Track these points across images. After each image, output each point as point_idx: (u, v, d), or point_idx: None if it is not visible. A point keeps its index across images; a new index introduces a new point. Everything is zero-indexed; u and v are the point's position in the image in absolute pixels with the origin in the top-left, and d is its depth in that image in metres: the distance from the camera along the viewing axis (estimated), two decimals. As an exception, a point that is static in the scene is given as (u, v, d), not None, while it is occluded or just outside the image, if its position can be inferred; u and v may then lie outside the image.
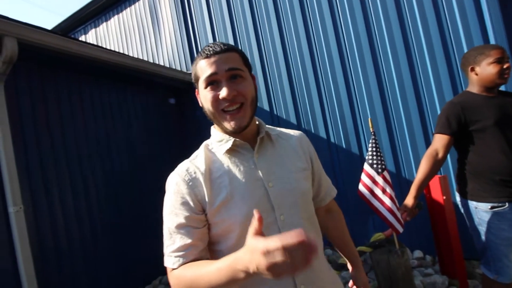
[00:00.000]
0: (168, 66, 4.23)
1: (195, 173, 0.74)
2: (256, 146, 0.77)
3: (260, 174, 0.74)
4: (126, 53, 4.71)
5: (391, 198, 1.56)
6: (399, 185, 2.81)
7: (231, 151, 0.76)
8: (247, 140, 0.77)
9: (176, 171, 0.78)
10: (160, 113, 3.82)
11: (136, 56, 4.59)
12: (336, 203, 1.00)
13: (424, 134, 2.74)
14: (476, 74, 1.49)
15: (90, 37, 5.19)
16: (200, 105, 0.79)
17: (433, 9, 2.65)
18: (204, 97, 0.74)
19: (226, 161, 0.75)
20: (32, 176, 2.37)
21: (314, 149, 0.90)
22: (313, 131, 3.28)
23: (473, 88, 1.52)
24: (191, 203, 0.71)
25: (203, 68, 0.72)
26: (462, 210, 1.60)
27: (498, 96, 1.48)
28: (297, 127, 3.36)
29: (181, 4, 4.13)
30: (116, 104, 3.28)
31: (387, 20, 2.84)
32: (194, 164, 0.76)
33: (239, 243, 0.64)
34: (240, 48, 3.63)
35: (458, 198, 1.61)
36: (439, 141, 1.51)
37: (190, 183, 0.73)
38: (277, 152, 0.80)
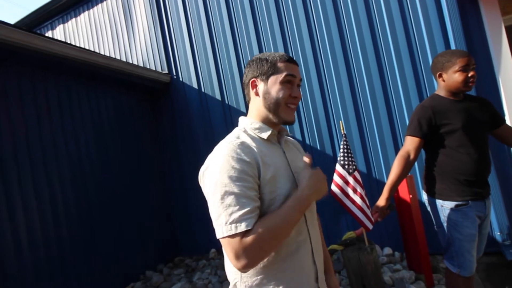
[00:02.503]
0: (142, 65, 4.11)
1: (249, 148, 0.81)
2: (282, 141, 0.93)
3: (288, 162, 0.89)
4: (97, 51, 4.51)
5: (361, 197, 1.61)
6: (369, 185, 2.93)
7: (266, 140, 0.88)
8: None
9: (228, 146, 0.78)
10: (133, 113, 3.70)
11: (108, 55, 4.41)
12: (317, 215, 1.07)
13: (393, 136, 2.88)
14: (444, 81, 1.56)
15: (58, 33, 4.91)
16: (254, 93, 0.91)
17: (401, 19, 2.81)
18: (276, 89, 0.87)
19: (264, 146, 0.86)
20: (4, 176, 2.20)
21: None
22: (288, 131, 3.32)
23: (441, 92, 1.59)
24: (255, 164, 0.77)
25: (287, 67, 0.88)
26: (428, 208, 1.68)
27: (464, 100, 1.56)
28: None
29: (156, 1, 4.04)
30: (86, 103, 3.13)
31: (359, 26, 2.97)
32: (245, 141, 0.83)
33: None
34: (216, 45, 3.62)
35: (425, 197, 1.70)
36: (411, 143, 1.57)
37: (250, 154, 0.78)
38: (292, 150, 0.97)
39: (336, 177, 1.63)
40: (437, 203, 1.59)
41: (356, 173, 1.65)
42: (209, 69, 3.73)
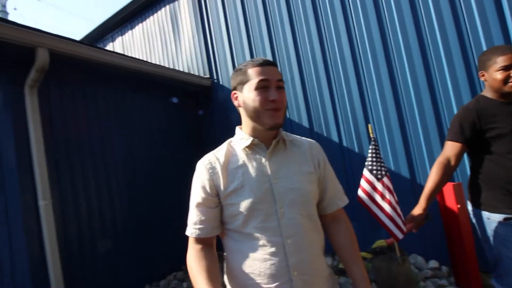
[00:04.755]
0: (186, 71, 4.41)
1: (215, 163, 0.90)
2: (270, 148, 0.90)
3: (269, 171, 0.87)
4: (149, 60, 4.97)
5: (390, 204, 1.54)
6: (413, 192, 2.72)
7: (248, 148, 0.90)
8: (265, 141, 0.91)
9: (202, 160, 0.94)
10: (179, 115, 4.00)
11: (158, 62, 4.83)
12: (346, 215, 1.00)
13: (441, 139, 2.63)
14: (486, 80, 1.44)
15: (117, 44, 5.53)
16: (237, 105, 0.92)
17: (450, 9, 2.55)
18: (251, 97, 0.86)
19: (243, 156, 0.90)
20: (61, 173, 2.60)
21: (326, 158, 0.99)
22: (325, 134, 3.26)
23: (487, 92, 1.46)
24: (208, 188, 0.88)
25: (256, 73, 0.86)
26: (473, 220, 1.54)
27: None
28: (309, 130, 3.36)
29: (200, 12, 4.30)
30: (138, 107, 3.49)
31: (402, 21, 2.78)
32: (216, 155, 0.92)
33: (244, 225, 0.85)
34: (254, 50, 3.71)
35: (469, 208, 1.56)
36: (451, 149, 1.45)
37: (210, 171, 0.89)
38: (287, 155, 0.92)
39: (363, 183, 1.57)
40: (482, 215, 1.44)
41: (385, 179, 1.57)
42: (247, 72, 3.84)
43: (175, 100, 3.81)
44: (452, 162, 1.45)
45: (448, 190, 2.13)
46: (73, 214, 2.64)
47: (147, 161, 3.41)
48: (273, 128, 0.86)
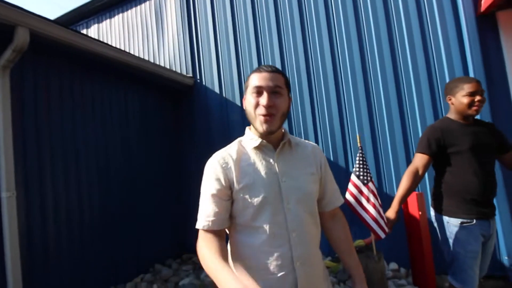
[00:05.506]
0: (168, 67, 4.33)
1: (228, 159, 0.96)
2: (278, 149, 0.97)
3: (277, 170, 0.95)
4: (129, 52, 4.77)
5: (374, 206, 1.71)
6: (380, 197, 2.99)
7: (257, 149, 0.97)
8: (272, 143, 0.98)
9: (214, 157, 0.99)
10: (157, 112, 3.90)
11: (138, 55, 4.66)
12: (342, 212, 1.12)
13: (406, 153, 2.95)
14: (452, 103, 1.69)
15: (92, 32, 5.23)
16: (244, 107, 0.99)
17: (421, 40, 2.91)
18: (248, 100, 0.94)
19: (253, 155, 0.97)
20: (28, 164, 2.39)
21: (326, 160, 1.09)
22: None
23: (452, 115, 1.72)
24: (222, 180, 0.93)
25: (254, 80, 0.93)
26: (435, 224, 1.77)
27: (473, 124, 1.67)
28: (289, 137, 3.51)
29: (187, 8, 4.27)
30: (115, 101, 3.34)
31: (379, 45, 3.08)
32: (228, 152, 0.98)
33: (254, 218, 0.91)
34: (240, 53, 3.79)
35: (432, 213, 1.79)
36: (420, 160, 1.68)
37: (224, 165, 0.94)
38: (293, 156, 1.00)
39: (351, 187, 1.73)
40: (443, 219, 1.67)
41: (370, 184, 1.74)
42: (231, 75, 3.89)
43: None
44: (420, 172, 1.67)
45: (412, 199, 2.40)
46: (38, 209, 2.43)
47: (121, 158, 3.27)
48: (266, 134, 0.92)
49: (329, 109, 3.32)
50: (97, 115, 3.09)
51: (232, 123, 3.77)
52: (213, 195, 0.92)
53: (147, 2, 4.63)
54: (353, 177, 1.76)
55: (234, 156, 0.95)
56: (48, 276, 2.43)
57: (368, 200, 1.69)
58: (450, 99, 1.70)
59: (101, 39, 5.09)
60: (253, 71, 0.97)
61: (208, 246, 0.87)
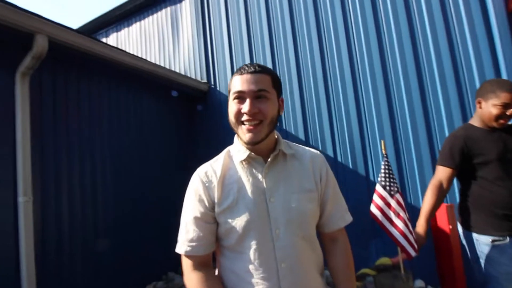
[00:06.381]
0: (184, 73, 4.34)
1: (211, 176, 0.84)
2: (268, 162, 0.83)
3: (265, 188, 0.81)
4: (146, 59, 4.85)
5: (404, 221, 1.55)
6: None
7: (245, 162, 0.84)
8: (262, 154, 0.84)
9: (198, 172, 0.88)
10: (172, 119, 3.90)
11: (154, 62, 4.73)
12: (345, 236, 0.95)
13: (432, 160, 2.75)
14: (480, 108, 1.52)
15: (111, 40, 5.38)
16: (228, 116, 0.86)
17: (445, 36, 2.73)
18: (230, 108, 0.82)
19: (239, 170, 0.84)
20: (45, 169, 2.42)
21: (329, 171, 0.92)
22: (320, 148, 3.30)
23: (475, 121, 1.55)
24: (205, 201, 0.82)
25: (235, 83, 0.81)
26: (463, 242, 1.62)
27: (499, 130, 1.48)
28: (305, 143, 3.39)
29: (201, 15, 4.29)
30: (131, 106, 3.36)
31: (400, 43, 2.92)
32: (213, 167, 0.86)
33: (239, 244, 0.79)
34: (254, 59, 3.74)
35: (460, 229, 1.62)
36: (443, 173, 1.52)
37: (207, 184, 0.83)
38: (287, 170, 0.85)
39: (376, 198, 1.58)
40: (472, 236, 1.51)
41: (398, 195, 1.59)
42: (246, 80, 3.85)
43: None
44: (445, 186, 1.52)
45: (441, 211, 2.20)
46: (53, 214, 2.45)
47: (136, 162, 3.27)
48: (250, 144, 0.80)
49: (347, 113, 3.18)
50: (114, 120, 3.11)
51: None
52: (196, 218, 0.81)
53: (163, 10, 4.70)
54: (378, 188, 1.62)
55: (219, 172, 0.84)
56: (61, 278, 2.42)
57: (396, 214, 1.53)
58: (479, 102, 1.52)
59: (120, 47, 5.22)
60: (234, 73, 0.83)
61: (199, 283, 0.77)
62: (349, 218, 0.94)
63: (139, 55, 4.95)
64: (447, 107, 2.71)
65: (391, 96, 2.96)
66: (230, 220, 0.79)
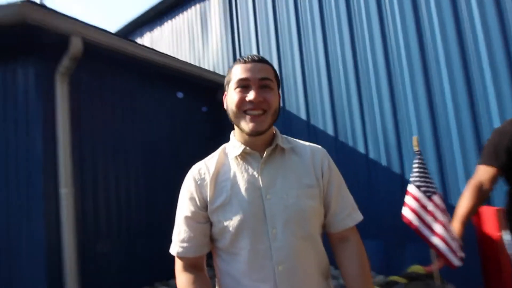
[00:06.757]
0: (212, 69, 4.39)
1: (204, 174, 0.81)
2: (264, 157, 0.78)
3: (261, 184, 0.76)
4: (176, 56, 5.00)
5: (444, 226, 1.38)
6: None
7: (240, 157, 0.80)
8: (259, 149, 0.79)
9: (191, 170, 0.86)
10: (203, 115, 3.97)
11: (185, 59, 4.85)
12: (357, 235, 0.85)
13: (479, 156, 2.44)
14: None
15: (146, 40, 5.62)
16: (225, 107, 0.83)
17: (496, 17, 2.39)
18: (231, 97, 0.77)
19: (234, 166, 0.79)
20: (83, 163, 2.60)
21: (332, 166, 0.84)
22: (351, 144, 3.13)
23: None
24: (197, 200, 0.78)
25: (238, 71, 0.76)
26: (509, 251, 1.45)
27: None
28: (334, 139, 3.24)
29: (230, 13, 4.29)
30: (162, 103, 3.48)
31: (442, 24, 2.62)
32: (207, 164, 0.84)
33: (233, 245, 0.74)
34: (281, 52, 3.64)
35: (507, 237, 1.43)
36: (485, 173, 1.34)
37: (199, 182, 0.80)
38: (285, 165, 0.79)
39: (409, 200, 1.42)
40: None
41: (436, 197, 1.42)
42: (273, 75, 3.79)
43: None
44: (486, 187, 1.33)
45: (490, 216, 1.96)
46: (91, 204, 2.63)
47: (167, 157, 3.39)
48: (253, 135, 0.75)
49: (381, 105, 2.95)
50: (146, 116, 3.25)
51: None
52: (186, 218, 0.78)
53: (193, 8, 4.79)
54: (411, 188, 1.45)
55: (212, 169, 0.80)
56: (99, 262, 2.60)
57: (435, 218, 1.36)
58: None
59: (153, 46, 5.44)
60: (235, 62, 0.79)
61: (186, 284, 0.74)
62: (358, 217, 0.84)
63: (171, 53, 5.10)
64: (498, 98, 2.38)
65: (431, 87, 2.68)
66: (223, 219, 0.75)
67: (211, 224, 0.79)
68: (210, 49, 4.53)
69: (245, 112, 0.75)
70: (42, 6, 2.13)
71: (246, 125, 0.75)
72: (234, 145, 0.82)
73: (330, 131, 3.29)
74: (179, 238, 0.78)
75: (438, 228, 1.33)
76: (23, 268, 2.30)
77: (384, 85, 2.94)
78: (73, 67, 2.39)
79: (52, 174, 2.36)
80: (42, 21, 2.09)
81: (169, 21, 5.18)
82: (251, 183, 0.76)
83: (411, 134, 2.77)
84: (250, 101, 0.73)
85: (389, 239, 2.74)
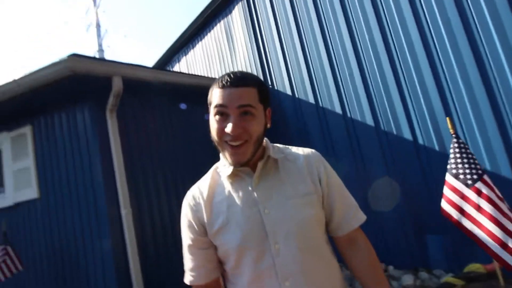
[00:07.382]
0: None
1: (199, 198, 0.80)
2: (256, 172, 0.76)
3: (257, 200, 0.73)
4: (209, 74, 5.28)
5: (491, 218, 1.17)
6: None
7: (233, 176, 0.78)
8: (250, 164, 0.77)
9: (186, 195, 0.86)
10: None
11: (216, 75, 5.09)
12: (363, 234, 0.83)
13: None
14: None
15: (183, 64, 6.06)
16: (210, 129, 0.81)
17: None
18: (212, 124, 0.75)
19: (227, 186, 0.78)
20: (136, 185, 2.92)
21: (328, 169, 0.81)
22: (394, 132, 2.87)
23: None
24: (195, 227, 0.78)
25: (216, 97, 0.72)
26: None
27: None
28: (375, 129, 3.01)
29: (251, 21, 4.37)
30: (198, 122, 3.70)
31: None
32: (200, 188, 0.83)
33: (238, 266, 0.73)
34: (307, 51, 3.56)
35: None
36: None
37: (195, 208, 0.80)
38: (279, 176, 0.77)
39: (447, 191, 1.24)
40: None
41: (479, 184, 1.21)
42: (301, 75, 3.72)
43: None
44: None
45: None
46: (148, 221, 2.92)
47: (207, 169, 3.57)
48: (236, 166, 0.73)
49: (422, 84, 2.66)
50: (186, 137, 3.50)
51: (307, 121, 3.57)
52: (189, 246, 0.79)
53: (218, 25, 5.01)
54: (449, 178, 1.26)
55: (205, 193, 0.79)
56: (160, 272, 2.86)
57: (478, 208, 1.16)
58: None
59: (189, 69, 5.84)
60: (215, 82, 0.74)
61: None
62: (362, 217, 0.82)
63: (204, 72, 5.42)
64: None
65: (481, 59, 2.32)
66: (224, 242, 0.74)
67: (216, 248, 0.78)
68: (238, 61, 4.67)
69: (226, 143, 0.72)
70: (87, 57, 2.49)
71: (229, 156, 0.73)
72: (225, 163, 0.80)
73: (369, 121, 3.07)
74: (188, 267, 0.80)
75: (484, 220, 1.13)
76: (98, 281, 2.66)
77: (423, 63, 2.64)
78: (117, 103, 2.73)
79: (114, 198, 2.71)
80: (90, 69, 2.45)
81: (200, 42, 5.51)
82: (247, 200, 0.74)
83: (464, 110, 2.43)
84: (228, 133, 0.70)
85: (451, 234, 2.41)
